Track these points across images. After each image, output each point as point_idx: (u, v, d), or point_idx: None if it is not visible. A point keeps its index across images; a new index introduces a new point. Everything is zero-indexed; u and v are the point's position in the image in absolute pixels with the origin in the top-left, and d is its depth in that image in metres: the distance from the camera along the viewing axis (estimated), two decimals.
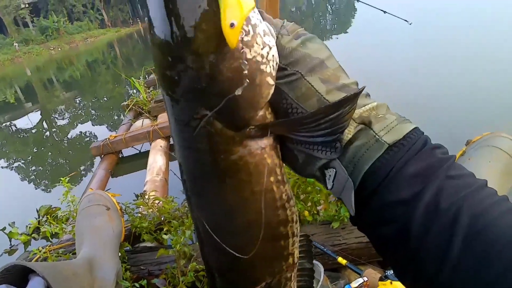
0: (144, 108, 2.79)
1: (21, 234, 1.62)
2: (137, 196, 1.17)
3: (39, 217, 1.64)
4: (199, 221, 0.42)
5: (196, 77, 0.34)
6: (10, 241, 1.71)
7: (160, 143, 2.13)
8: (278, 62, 0.36)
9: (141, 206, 1.20)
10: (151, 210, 1.21)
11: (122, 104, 3.07)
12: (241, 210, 0.40)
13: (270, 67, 0.35)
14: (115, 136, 2.23)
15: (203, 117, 0.36)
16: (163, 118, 2.60)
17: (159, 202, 1.25)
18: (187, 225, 1.12)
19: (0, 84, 12.98)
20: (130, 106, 2.83)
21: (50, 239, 1.29)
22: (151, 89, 3.31)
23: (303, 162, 0.39)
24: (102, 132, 3.77)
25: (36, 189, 2.74)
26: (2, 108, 7.46)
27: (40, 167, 3.23)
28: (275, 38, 0.37)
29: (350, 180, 0.34)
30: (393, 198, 0.31)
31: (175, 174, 1.82)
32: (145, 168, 1.94)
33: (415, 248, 0.30)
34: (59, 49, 27.88)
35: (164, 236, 1.10)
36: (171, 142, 2.39)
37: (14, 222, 1.69)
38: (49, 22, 33.07)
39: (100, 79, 8.69)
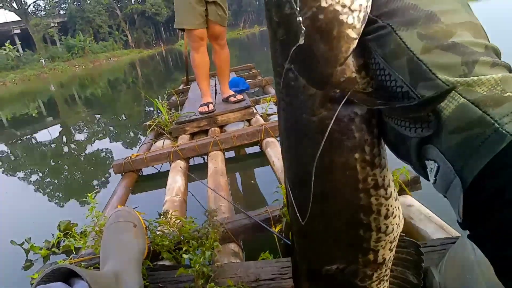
0: (165, 129, 2.87)
1: (41, 248, 1.67)
2: (159, 214, 1.21)
3: (59, 232, 1.67)
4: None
5: (276, 28, 0.34)
6: (27, 255, 1.72)
7: (180, 164, 2.19)
8: (367, 13, 0.31)
9: (163, 225, 1.24)
10: (172, 229, 1.25)
11: (144, 124, 3.17)
12: (318, 174, 0.35)
13: (353, 18, 0.30)
14: (137, 155, 2.30)
15: (284, 71, 0.34)
16: (184, 139, 2.67)
17: (179, 222, 1.29)
18: (207, 246, 1.15)
19: (24, 98, 13.46)
20: (152, 126, 2.91)
21: (74, 253, 1.33)
22: (172, 110, 3.40)
23: (395, 142, 0.33)
24: (119, 149, 3.86)
25: (49, 201, 2.80)
26: (25, 121, 7.71)
27: (57, 181, 3.30)
28: None
29: (457, 178, 0.27)
30: None
31: (193, 195, 1.86)
32: (164, 187, 1.99)
33: None
34: (83, 67, 28.89)
35: (184, 256, 1.14)
36: (190, 163, 2.45)
37: (30, 238, 1.74)
38: (75, 40, 34.53)
39: (120, 97, 8.93)
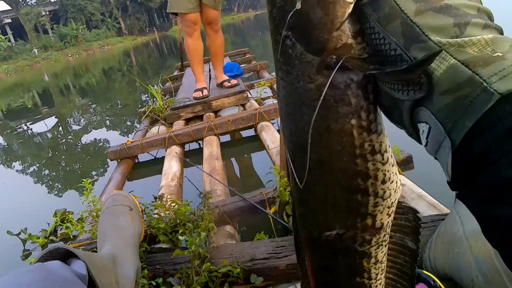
0: (160, 115, 2.87)
1: (39, 237, 1.68)
2: (155, 198, 1.22)
3: (56, 220, 1.69)
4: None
5: None
6: (24, 245, 1.74)
7: (175, 149, 2.19)
8: None
9: (158, 208, 1.25)
10: (168, 212, 1.27)
11: (139, 110, 3.16)
12: (312, 142, 0.36)
13: None
14: (132, 142, 2.30)
15: (282, 38, 0.35)
16: (179, 125, 2.67)
17: (175, 205, 1.30)
18: (202, 228, 1.17)
19: (18, 89, 13.33)
20: (147, 113, 2.91)
21: (72, 239, 1.35)
22: (167, 96, 3.39)
23: (389, 106, 0.33)
24: (115, 138, 3.85)
25: (49, 193, 2.81)
26: (20, 112, 7.65)
27: (54, 172, 3.31)
28: None
29: (447, 138, 0.27)
30: None
31: (189, 180, 1.87)
32: (160, 173, 2.00)
33: None
34: (77, 56, 28.58)
35: (180, 238, 1.15)
36: (186, 149, 2.46)
37: (26, 228, 1.74)
38: (68, 29, 34.02)
39: (115, 86, 8.87)
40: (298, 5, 0.32)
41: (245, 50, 6.00)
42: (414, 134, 0.32)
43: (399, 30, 0.29)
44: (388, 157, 0.37)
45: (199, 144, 2.53)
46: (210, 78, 3.57)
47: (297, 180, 0.38)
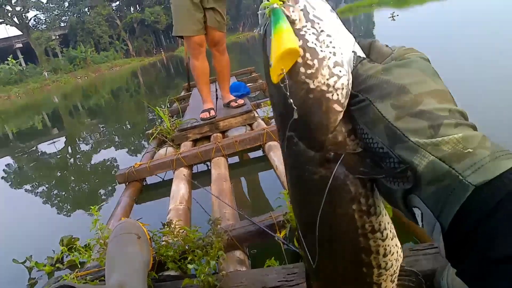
0: (167, 136, 2.88)
1: (45, 265, 1.65)
2: (163, 224, 1.21)
3: (63, 249, 1.66)
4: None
5: (277, 103, 0.42)
6: (30, 273, 1.71)
7: (183, 171, 2.19)
8: (348, 90, 0.38)
9: (167, 235, 1.23)
10: (176, 239, 1.24)
11: (147, 132, 3.17)
12: (321, 226, 0.41)
13: (338, 95, 0.38)
14: (140, 164, 2.30)
15: (287, 138, 0.41)
16: (186, 147, 2.67)
17: (183, 231, 1.28)
18: (211, 255, 1.14)
19: (29, 111, 13.58)
20: (155, 134, 2.92)
21: (79, 267, 1.33)
22: (174, 118, 3.40)
23: (385, 193, 0.38)
24: (123, 158, 3.87)
25: (58, 213, 2.82)
26: (30, 134, 7.78)
27: (63, 193, 3.32)
28: (352, 67, 0.39)
29: (438, 223, 0.31)
30: (499, 253, 0.26)
31: (197, 202, 1.85)
32: (168, 195, 1.99)
33: None
34: (86, 77, 29.14)
35: (189, 266, 1.13)
36: (194, 171, 2.45)
37: (31, 256, 1.72)
38: (77, 52, 34.89)
39: (123, 106, 8.98)
40: (295, 115, 0.39)
41: (251, 69, 6.05)
42: (411, 216, 0.35)
43: (383, 132, 0.34)
44: (387, 234, 0.43)
45: (207, 165, 2.52)
46: (217, 98, 3.60)
47: (309, 258, 0.45)
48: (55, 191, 3.43)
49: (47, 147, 5.70)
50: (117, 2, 51.08)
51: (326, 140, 0.39)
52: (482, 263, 0.28)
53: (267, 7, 0.40)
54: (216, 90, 3.90)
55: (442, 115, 0.32)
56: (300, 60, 0.38)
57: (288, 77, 0.38)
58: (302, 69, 0.38)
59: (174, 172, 2.27)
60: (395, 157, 0.33)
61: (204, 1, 2.63)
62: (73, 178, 3.73)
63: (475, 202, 0.28)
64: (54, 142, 6.00)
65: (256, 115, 3.01)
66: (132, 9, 50.69)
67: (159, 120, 3.36)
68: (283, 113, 0.41)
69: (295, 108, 0.38)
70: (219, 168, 2.14)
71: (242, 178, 2.45)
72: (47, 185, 3.65)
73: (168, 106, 4.19)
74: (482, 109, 2.46)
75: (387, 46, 0.42)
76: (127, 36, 46.26)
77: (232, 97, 3.12)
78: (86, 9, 45.07)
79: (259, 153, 2.57)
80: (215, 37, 2.78)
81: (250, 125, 2.88)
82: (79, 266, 1.35)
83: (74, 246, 1.41)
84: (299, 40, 0.38)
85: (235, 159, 2.62)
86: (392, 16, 11.74)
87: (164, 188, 2.31)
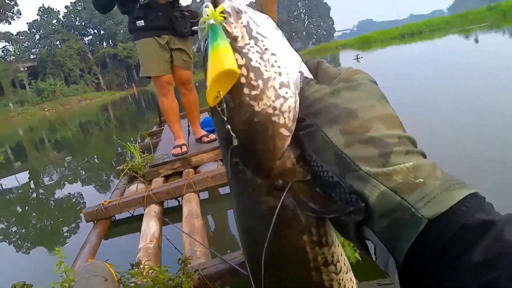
0: (139, 172, 2.83)
1: None
2: (132, 265, 1.18)
3: None
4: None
5: (219, 128, 0.38)
6: None
7: (154, 208, 2.15)
8: (296, 113, 0.36)
9: (136, 276, 1.20)
10: (145, 280, 1.21)
11: (117, 168, 3.11)
12: (270, 258, 0.38)
13: (285, 118, 0.35)
14: (109, 202, 2.24)
15: (232, 163, 0.38)
16: (157, 183, 2.64)
17: (153, 272, 1.26)
18: None
19: None
20: (125, 170, 2.87)
21: None
22: (145, 153, 3.37)
23: (337, 224, 0.35)
24: (90, 194, 3.75)
25: (16, 252, 2.66)
26: None
27: (23, 230, 3.15)
28: (299, 89, 0.37)
29: (391, 258, 0.29)
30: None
31: (167, 239, 1.82)
32: (138, 231, 1.95)
33: None
34: (54, 110, 28.37)
35: None
36: (165, 206, 2.41)
37: None
38: (46, 84, 34.07)
39: (92, 140, 8.78)
40: (235, 142, 0.36)
41: None
42: (363, 249, 0.33)
43: (333, 160, 0.32)
44: (341, 266, 0.40)
45: (178, 201, 2.49)
46: (189, 133, 3.61)
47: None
48: (14, 228, 3.24)
49: (8, 181, 5.43)
50: (90, 37, 51.17)
51: (273, 167, 0.36)
52: None
53: (206, 22, 0.37)
54: (188, 125, 3.92)
55: (391, 142, 0.31)
56: (243, 80, 0.35)
57: (230, 99, 0.36)
58: (246, 90, 0.35)
59: (144, 209, 2.23)
60: (345, 187, 0.31)
61: (170, 42, 2.70)
62: (34, 215, 3.55)
63: (429, 237, 0.26)
64: (16, 175, 5.74)
65: None
66: (105, 43, 50.83)
67: (130, 155, 3.31)
68: (226, 138, 0.37)
69: (233, 134, 0.35)
70: (191, 204, 2.13)
71: (214, 215, 2.43)
72: (5, 222, 3.44)
73: (139, 141, 4.15)
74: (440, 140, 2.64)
75: (335, 66, 0.40)
76: (98, 70, 45.97)
77: (204, 132, 3.15)
78: (58, 42, 44.76)
79: (228, 189, 2.58)
80: (182, 76, 2.83)
81: (222, 160, 2.89)
82: None
83: None
84: (242, 59, 0.36)
85: (206, 194, 2.61)
86: (357, 58, 12.42)
87: (134, 223, 2.26)
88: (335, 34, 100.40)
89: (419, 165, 0.29)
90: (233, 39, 0.36)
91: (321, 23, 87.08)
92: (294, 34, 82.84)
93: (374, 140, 0.31)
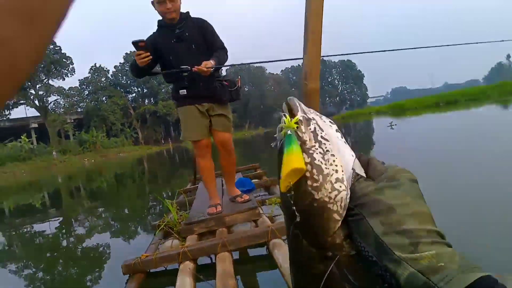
0: (174, 228, 2.92)
1: None
2: None
3: None
4: None
5: (286, 207, 0.49)
6: None
7: (189, 265, 2.20)
8: (346, 203, 0.45)
9: None
10: None
11: (153, 223, 3.22)
12: None
13: (337, 206, 0.45)
14: (146, 256, 2.32)
15: (294, 234, 0.48)
16: (192, 240, 2.70)
17: None
18: None
19: (31, 188, 13.63)
20: (161, 226, 2.96)
21: None
22: (181, 210, 3.47)
23: None
24: (119, 245, 3.80)
25: None
26: (27, 211, 7.68)
27: (47, 276, 3.19)
28: (350, 184, 0.46)
29: None
30: None
31: None
32: (171, 285, 2.00)
33: None
34: (93, 160, 29.66)
35: None
36: (199, 263, 2.45)
37: None
38: (88, 136, 36.17)
39: (124, 192, 8.99)
40: (298, 219, 0.46)
41: (256, 165, 6.27)
42: None
43: (373, 244, 0.41)
44: None
45: (210, 258, 2.53)
46: (223, 193, 3.71)
47: None
48: (40, 273, 3.28)
49: (42, 227, 5.56)
50: (134, 94, 54.92)
51: (326, 241, 0.45)
52: None
53: (284, 128, 0.49)
54: (223, 184, 4.03)
55: (421, 234, 0.38)
56: (308, 174, 0.45)
57: (296, 187, 0.46)
58: (309, 182, 0.45)
59: (179, 266, 2.28)
60: (382, 266, 0.39)
61: (210, 109, 2.90)
62: (61, 261, 3.59)
63: None
64: (49, 222, 5.89)
65: (261, 211, 3.09)
66: (146, 101, 54.25)
67: (166, 211, 3.39)
68: (290, 215, 0.48)
69: (298, 215, 0.46)
70: (224, 263, 2.16)
71: (245, 275, 2.43)
72: (34, 268, 3.49)
73: (176, 197, 4.28)
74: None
75: (383, 163, 0.49)
76: (138, 125, 48.54)
77: (238, 192, 3.24)
78: (104, 98, 48.22)
79: (260, 250, 2.59)
80: (221, 138, 2.98)
81: (255, 221, 2.94)
82: None
83: None
84: (308, 158, 0.46)
85: (236, 254, 2.63)
86: (391, 125, 12.43)
87: (168, 277, 2.30)
88: (369, 100, 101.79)
89: (441, 252, 0.37)
90: (302, 142, 0.47)
91: (355, 89, 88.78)
92: (327, 98, 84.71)
93: (407, 232, 0.39)
